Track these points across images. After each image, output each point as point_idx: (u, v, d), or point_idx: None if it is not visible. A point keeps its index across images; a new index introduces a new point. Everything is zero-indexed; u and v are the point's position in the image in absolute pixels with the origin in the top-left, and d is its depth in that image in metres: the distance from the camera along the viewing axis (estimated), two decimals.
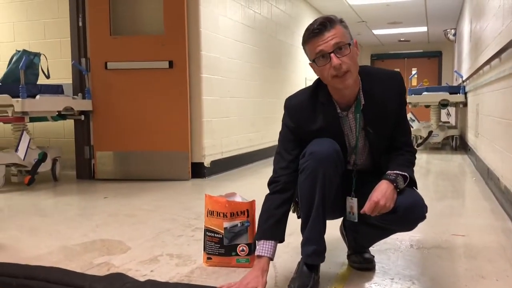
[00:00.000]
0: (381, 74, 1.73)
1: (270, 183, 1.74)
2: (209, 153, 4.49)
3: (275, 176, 1.73)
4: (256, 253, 1.67)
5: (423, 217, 1.66)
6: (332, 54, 1.56)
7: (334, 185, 1.63)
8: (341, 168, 1.66)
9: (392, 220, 1.64)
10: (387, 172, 1.67)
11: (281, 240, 1.70)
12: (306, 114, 1.70)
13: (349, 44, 1.58)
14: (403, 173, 1.66)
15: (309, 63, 1.67)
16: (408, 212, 1.62)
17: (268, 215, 1.68)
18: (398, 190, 1.62)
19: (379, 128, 1.70)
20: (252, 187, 4.01)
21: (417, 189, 1.73)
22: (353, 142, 1.73)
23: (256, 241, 1.70)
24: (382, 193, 1.59)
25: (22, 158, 3.85)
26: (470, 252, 2.16)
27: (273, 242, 1.67)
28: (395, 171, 1.65)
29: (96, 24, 4.23)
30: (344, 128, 1.72)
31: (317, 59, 1.59)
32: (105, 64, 4.21)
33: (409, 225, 1.69)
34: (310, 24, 1.59)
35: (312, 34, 1.57)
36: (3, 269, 1.86)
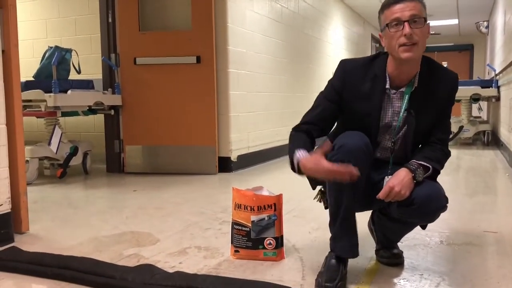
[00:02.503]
0: (441, 68, 1.75)
1: (293, 129, 1.77)
2: (236, 148, 4.51)
3: (299, 125, 1.76)
4: (299, 156, 1.61)
5: (442, 208, 1.62)
6: (406, 23, 1.58)
7: (363, 178, 1.62)
8: (370, 160, 1.65)
9: (411, 212, 1.63)
10: (410, 161, 1.65)
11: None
12: (356, 78, 1.72)
13: (425, 19, 1.61)
14: (426, 164, 1.64)
15: (379, 34, 1.70)
16: (426, 204, 1.59)
17: (301, 140, 1.69)
18: (415, 181, 1.60)
19: (421, 115, 1.70)
20: (279, 181, 4.01)
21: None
22: (390, 120, 1.71)
23: (295, 151, 1.64)
24: (399, 180, 1.58)
25: (55, 151, 3.95)
26: (503, 249, 2.11)
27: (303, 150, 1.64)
28: (418, 162, 1.64)
29: (125, 20, 4.29)
30: (386, 105, 1.71)
31: (391, 25, 1.61)
32: (134, 59, 4.27)
33: (428, 217, 1.66)
34: None
35: (392, 1, 1.61)
36: (39, 258, 1.92)
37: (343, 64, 1.78)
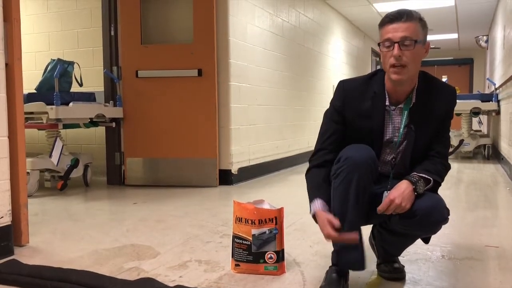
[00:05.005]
0: (439, 83, 1.78)
1: (310, 159, 1.81)
2: (237, 160, 4.51)
3: (314, 154, 1.80)
4: (315, 208, 1.68)
5: (444, 220, 1.63)
6: (396, 45, 1.60)
7: (367, 191, 1.63)
8: (375, 175, 1.66)
9: (413, 225, 1.63)
10: (411, 174, 1.66)
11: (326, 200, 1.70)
12: (356, 97, 1.75)
13: (416, 42, 1.61)
14: (427, 176, 1.65)
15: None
16: (427, 215, 1.60)
17: (317, 185, 1.73)
18: (416, 193, 1.61)
19: (421, 130, 1.72)
20: (280, 194, 4.01)
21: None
22: (391, 136, 1.74)
23: (313, 200, 1.71)
24: (399, 192, 1.59)
25: (56, 163, 3.96)
26: (504, 264, 2.10)
27: (320, 199, 1.69)
28: (419, 174, 1.65)
29: (127, 33, 4.33)
30: (386, 121, 1.73)
31: (382, 45, 1.65)
32: (136, 72, 4.30)
33: (430, 228, 1.66)
34: (390, 12, 1.65)
35: (387, 19, 1.64)
36: (39, 271, 1.91)
37: (342, 84, 1.80)
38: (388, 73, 1.66)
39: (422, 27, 1.64)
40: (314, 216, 1.69)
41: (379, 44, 1.66)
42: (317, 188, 1.72)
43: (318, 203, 1.67)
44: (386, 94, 1.72)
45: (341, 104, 1.76)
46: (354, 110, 1.74)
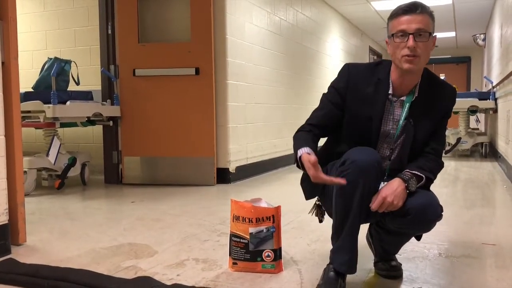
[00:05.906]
0: (441, 82, 1.79)
1: (298, 129, 1.80)
2: (234, 159, 4.51)
3: (304, 125, 1.79)
4: (298, 155, 1.65)
5: (438, 217, 1.62)
6: (411, 36, 1.60)
7: (371, 195, 1.60)
8: (381, 178, 1.65)
9: (407, 223, 1.62)
10: (403, 171, 1.66)
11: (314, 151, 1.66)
12: (360, 81, 1.74)
13: (430, 34, 1.63)
14: (420, 174, 1.65)
15: (386, 39, 1.73)
16: (421, 213, 1.59)
17: (306, 140, 1.70)
18: (408, 191, 1.60)
19: (420, 125, 1.72)
20: (277, 193, 4.01)
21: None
22: (389, 128, 1.73)
23: (299, 149, 1.66)
24: (392, 190, 1.58)
25: (53, 162, 3.95)
26: (501, 261, 2.10)
27: (308, 148, 1.65)
28: (412, 171, 1.65)
29: (124, 32, 4.32)
30: (386, 112, 1.73)
31: (396, 36, 1.64)
32: (133, 71, 4.29)
33: (424, 226, 1.65)
34: (403, 3, 1.65)
35: (401, 11, 1.63)
36: (36, 270, 1.91)
37: (348, 67, 1.80)
38: (399, 63, 1.65)
39: (432, 20, 1.65)
40: (299, 161, 1.63)
41: (392, 35, 1.65)
42: (306, 142, 1.68)
43: (306, 149, 1.62)
44: (391, 83, 1.72)
45: (344, 86, 1.75)
46: (356, 94, 1.73)
